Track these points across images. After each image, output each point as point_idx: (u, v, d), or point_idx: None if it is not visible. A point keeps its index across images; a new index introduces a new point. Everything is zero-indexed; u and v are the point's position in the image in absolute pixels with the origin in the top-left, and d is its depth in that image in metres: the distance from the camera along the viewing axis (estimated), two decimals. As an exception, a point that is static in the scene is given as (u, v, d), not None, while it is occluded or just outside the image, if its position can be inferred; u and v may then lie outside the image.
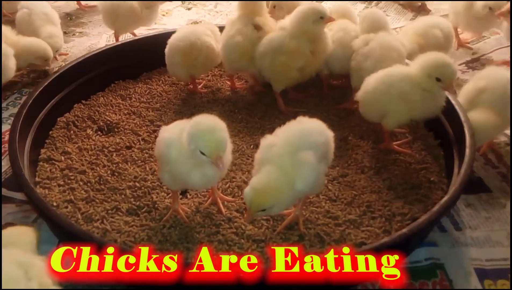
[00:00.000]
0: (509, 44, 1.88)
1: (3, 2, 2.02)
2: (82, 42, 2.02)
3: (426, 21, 1.68)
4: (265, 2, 1.56)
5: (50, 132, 1.42)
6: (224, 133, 0.99)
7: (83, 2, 2.17)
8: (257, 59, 1.47)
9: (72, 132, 1.43)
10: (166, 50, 1.54)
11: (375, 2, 2.32)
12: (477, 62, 1.82)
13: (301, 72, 1.46)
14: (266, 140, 1.06)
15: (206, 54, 1.52)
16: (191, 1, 2.37)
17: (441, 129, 1.36)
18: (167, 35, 1.57)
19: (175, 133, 1.04)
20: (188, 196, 1.20)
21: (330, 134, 1.08)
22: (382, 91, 1.27)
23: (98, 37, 2.05)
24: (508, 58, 1.81)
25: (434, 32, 1.61)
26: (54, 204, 1.18)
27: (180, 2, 2.36)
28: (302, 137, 1.04)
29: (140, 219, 1.14)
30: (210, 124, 0.99)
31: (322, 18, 1.41)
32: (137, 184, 1.23)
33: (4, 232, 0.92)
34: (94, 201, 1.19)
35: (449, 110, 1.33)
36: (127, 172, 1.27)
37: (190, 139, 0.98)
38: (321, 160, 1.04)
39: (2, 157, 1.39)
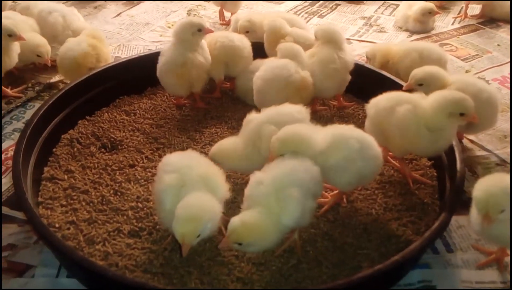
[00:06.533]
0: (502, 64, 1.95)
1: None
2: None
3: (422, 44, 1.77)
4: None
5: (54, 150, 1.44)
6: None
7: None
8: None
9: (75, 149, 1.45)
10: (158, 74, 1.56)
11: (374, 17, 2.38)
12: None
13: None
14: (255, 177, 1.09)
15: (197, 69, 1.55)
16: (196, 14, 2.38)
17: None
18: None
19: (175, 180, 1.06)
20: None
21: (316, 170, 1.11)
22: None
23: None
24: (499, 77, 1.87)
25: (431, 56, 1.67)
26: (57, 225, 1.19)
27: (185, 14, 2.38)
28: (289, 176, 1.07)
29: (141, 241, 1.16)
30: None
31: None
32: (140, 205, 1.25)
33: None
34: (96, 223, 1.21)
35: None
36: (130, 192, 1.29)
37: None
38: (308, 197, 1.07)
39: (4, 175, 1.39)
